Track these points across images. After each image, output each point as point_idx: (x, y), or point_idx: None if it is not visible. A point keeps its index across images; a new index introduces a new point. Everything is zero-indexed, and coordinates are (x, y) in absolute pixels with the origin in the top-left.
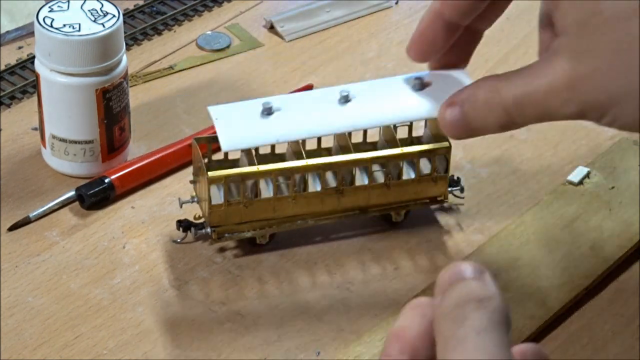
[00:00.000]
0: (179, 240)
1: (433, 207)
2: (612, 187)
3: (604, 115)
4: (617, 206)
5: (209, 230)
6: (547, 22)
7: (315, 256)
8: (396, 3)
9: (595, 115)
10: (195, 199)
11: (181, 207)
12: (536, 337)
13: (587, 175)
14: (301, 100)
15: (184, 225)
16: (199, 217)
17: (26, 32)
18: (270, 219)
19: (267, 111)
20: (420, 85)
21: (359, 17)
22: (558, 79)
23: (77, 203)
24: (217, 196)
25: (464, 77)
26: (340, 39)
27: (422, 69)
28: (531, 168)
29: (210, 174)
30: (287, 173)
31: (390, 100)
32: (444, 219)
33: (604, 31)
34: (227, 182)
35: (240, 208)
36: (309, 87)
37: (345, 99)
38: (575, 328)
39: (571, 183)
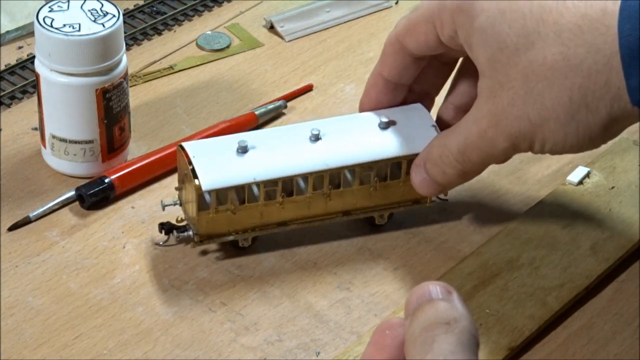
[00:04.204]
0: (161, 243)
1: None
2: (612, 187)
3: (532, 142)
4: (617, 206)
5: (191, 233)
6: None
7: (315, 256)
8: (396, 3)
9: (525, 145)
10: (178, 202)
11: (164, 209)
12: (536, 337)
13: (587, 175)
14: (274, 137)
15: (166, 228)
16: (182, 220)
17: (26, 32)
18: (258, 225)
19: (242, 149)
20: (386, 124)
21: (359, 17)
22: (483, 120)
23: (77, 203)
24: (205, 203)
25: (423, 112)
26: (340, 39)
27: None
28: (531, 168)
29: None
30: (275, 180)
31: (359, 140)
32: (443, 219)
33: (511, 63)
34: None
35: (228, 215)
36: (309, 87)
37: (316, 137)
38: (575, 328)
39: (571, 183)
